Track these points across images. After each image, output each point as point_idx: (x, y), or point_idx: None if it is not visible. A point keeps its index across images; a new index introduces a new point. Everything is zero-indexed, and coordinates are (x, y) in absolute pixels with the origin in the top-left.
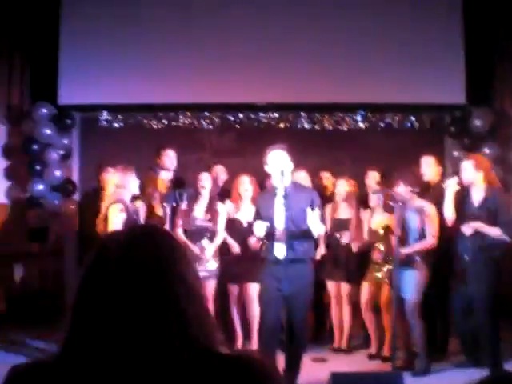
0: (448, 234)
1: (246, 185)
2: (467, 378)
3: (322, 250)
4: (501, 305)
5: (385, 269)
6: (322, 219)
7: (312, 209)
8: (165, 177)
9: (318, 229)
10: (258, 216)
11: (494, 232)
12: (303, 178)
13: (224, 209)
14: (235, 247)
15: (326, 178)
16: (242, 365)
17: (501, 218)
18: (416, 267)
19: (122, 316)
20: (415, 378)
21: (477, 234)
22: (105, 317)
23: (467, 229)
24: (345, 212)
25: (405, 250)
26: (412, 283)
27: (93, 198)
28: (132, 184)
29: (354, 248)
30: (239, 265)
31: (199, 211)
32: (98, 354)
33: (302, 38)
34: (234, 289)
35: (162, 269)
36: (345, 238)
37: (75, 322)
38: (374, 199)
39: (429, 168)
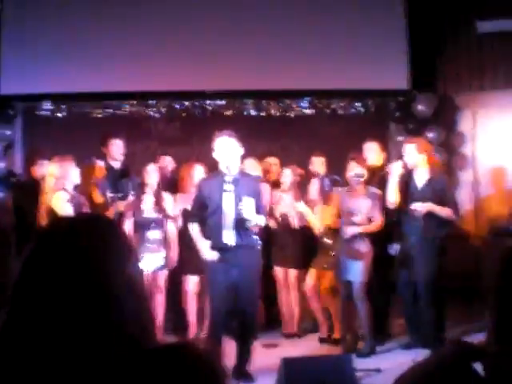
0: (391, 218)
1: (201, 175)
2: (412, 358)
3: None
4: (448, 282)
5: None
6: (265, 210)
7: (257, 199)
8: (111, 166)
9: (260, 219)
10: (201, 201)
11: (445, 212)
12: (252, 165)
13: (171, 199)
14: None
15: (274, 164)
16: (175, 360)
17: (448, 198)
18: (363, 250)
19: (57, 307)
20: (361, 359)
21: (425, 214)
22: (41, 307)
23: (419, 209)
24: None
25: (353, 230)
26: (359, 265)
27: (28, 190)
28: (72, 173)
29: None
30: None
31: (148, 204)
32: (31, 344)
33: (248, 26)
34: (189, 279)
35: (100, 259)
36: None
37: (13, 310)
38: (314, 191)
39: (372, 154)
